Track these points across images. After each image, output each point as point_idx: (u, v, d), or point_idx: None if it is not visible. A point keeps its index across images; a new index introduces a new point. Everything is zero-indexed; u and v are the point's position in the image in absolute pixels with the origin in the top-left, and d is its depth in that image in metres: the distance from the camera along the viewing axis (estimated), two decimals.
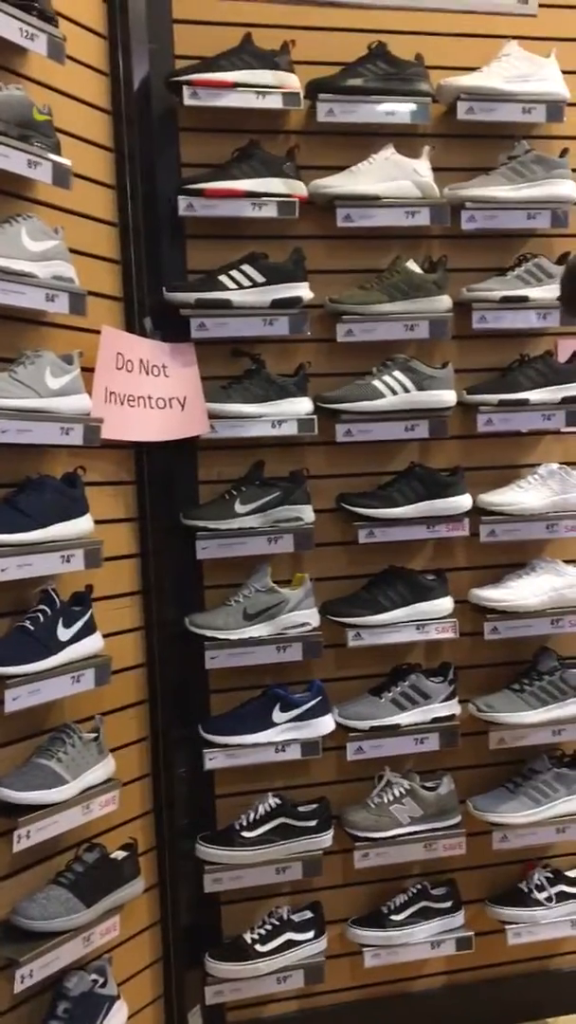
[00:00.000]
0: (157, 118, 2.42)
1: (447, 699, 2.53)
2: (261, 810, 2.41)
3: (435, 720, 2.51)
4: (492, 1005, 2.67)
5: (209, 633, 2.37)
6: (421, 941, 2.52)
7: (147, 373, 2.35)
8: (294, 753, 2.41)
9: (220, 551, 2.39)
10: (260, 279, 2.37)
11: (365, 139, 2.50)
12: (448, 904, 2.56)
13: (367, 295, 2.47)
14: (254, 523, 2.40)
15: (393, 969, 2.57)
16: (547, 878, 2.61)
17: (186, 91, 2.33)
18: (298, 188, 2.41)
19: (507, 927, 2.57)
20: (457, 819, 2.54)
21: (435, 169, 2.50)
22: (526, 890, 2.60)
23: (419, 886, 2.56)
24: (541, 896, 2.58)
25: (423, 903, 2.54)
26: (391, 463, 2.58)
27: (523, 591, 2.55)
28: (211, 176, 2.37)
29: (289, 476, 2.46)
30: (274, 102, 2.38)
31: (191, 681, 2.46)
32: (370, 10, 2.47)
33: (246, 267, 2.38)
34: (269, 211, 2.39)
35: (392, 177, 2.45)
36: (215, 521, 2.38)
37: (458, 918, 2.57)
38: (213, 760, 2.37)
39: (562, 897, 2.60)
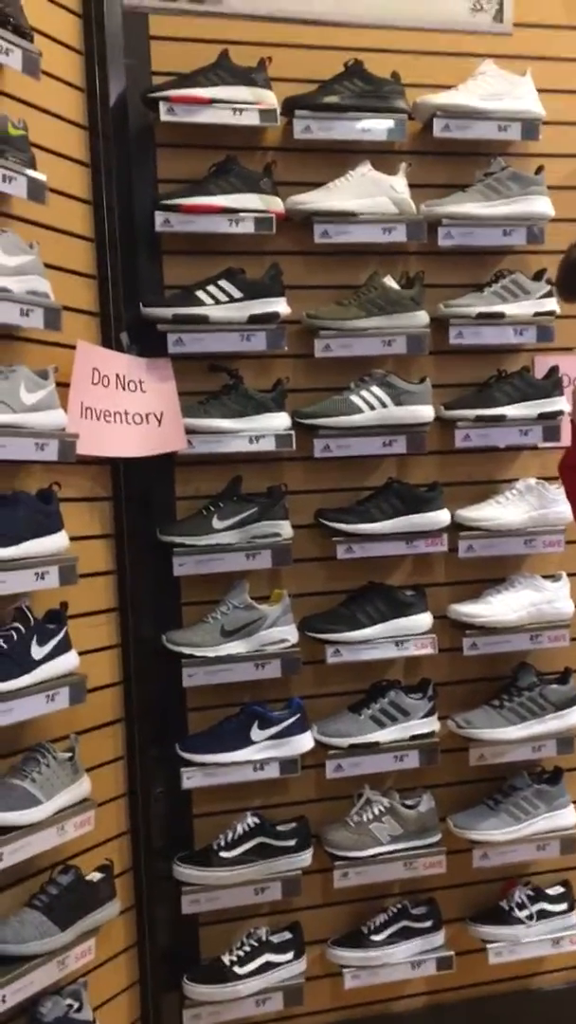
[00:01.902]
0: (134, 134, 2.41)
1: (426, 716, 2.51)
2: (239, 829, 2.38)
3: (415, 737, 2.50)
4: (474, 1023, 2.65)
5: (186, 650, 2.35)
6: (402, 961, 2.50)
7: (124, 388, 2.33)
8: (273, 771, 2.39)
9: (197, 567, 2.37)
10: (237, 294, 2.37)
11: (342, 156, 2.50)
12: (429, 923, 2.54)
13: (344, 311, 2.47)
14: (232, 539, 2.39)
15: (374, 990, 2.54)
16: (528, 896, 2.59)
17: (163, 107, 2.33)
18: (275, 204, 2.41)
19: (488, 946, 2.55)
20: (437, 837, 2.52)
21: (412, 186, 2.51)
22: (507, 908, 2.58)
23: (399, 905, 2.54)
24: (522, 914, 2.57)
25: (403, 922, 2.52)
26: (369, 478, 2.58)
27: (502, 606, 2.55)
28: (188, 192, 2.36)
29: (267, 492, 2.45)
30: (251, 118, 2.39)
31: (168, 699, 2.44)
32: (347, 28, 2.48)
33: (223, 282, 2.38)
34: (246, 227, 2.38)
35: (369, 193, 2.45)
36: (192, 537, 2.37)
37: (439, 937, 2.55)
38: (191, 779, 2.34)
39: (543, 915, 2.59)
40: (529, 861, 2.63)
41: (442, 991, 2.63)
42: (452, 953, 2.55)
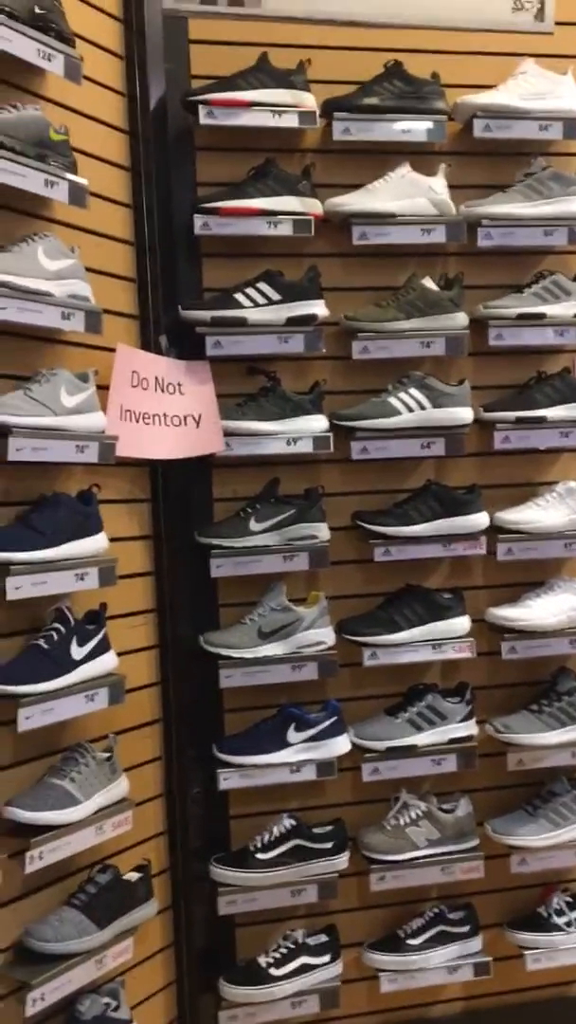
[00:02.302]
0: (173, 137, 2.43)
1: (464, 720, 2.50)
2: (276, 831, 2.38)
3: (452, 741, 2.48)
4: None
5: (224, 651, 2.36)
6: (438, 966, 2.49)
7: (162, 391, 2.35)
8: (309, 774, 2.38)
9: (235, 569, 2.38)
10: (276, 297, 2.37)
11: (381, 157, 2.50)
12: (466, 928, 2.53)
13: (383, 312, 2.46)
14: (269, 541, 2.39)
15: (410, 994, 2.53)
16: (567, 903, 2.56)
17: (202, 110, 2.34)
18: (314, 206, 2.41)
19: (526, 952, 2.53)
20: (475, 842, 2.51)
21: (451, 187, 2.49)
22: (545, 915, 2.55)
23: (436, 910, 2.53)
24: (561, 921, 2.54)
25: (440, 927, 2.50)
26: (407, 481, 2.56)
27: (541, 610, 2.53)
28: (227, 195, 2.37)
29: (304, 494, 2.45)
30: (290, 121, 2.39)
31: (205, 700, 2.45)
32: (386, 29, 2.47)
33: (262, 285, 2.38)
34: (285, 229, 2.39)
35: (408, 195, 2.44)
36: (230, 539, 2.37)
37: (476, 943, 2.53)
38: (227, 780, 2.35)
39: None
40: (568, 867, 2.60)
41: (479, 997, 2.61)
42: (490, 959, 2.53)
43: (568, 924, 2.54)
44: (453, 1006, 2.62)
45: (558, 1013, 2.66)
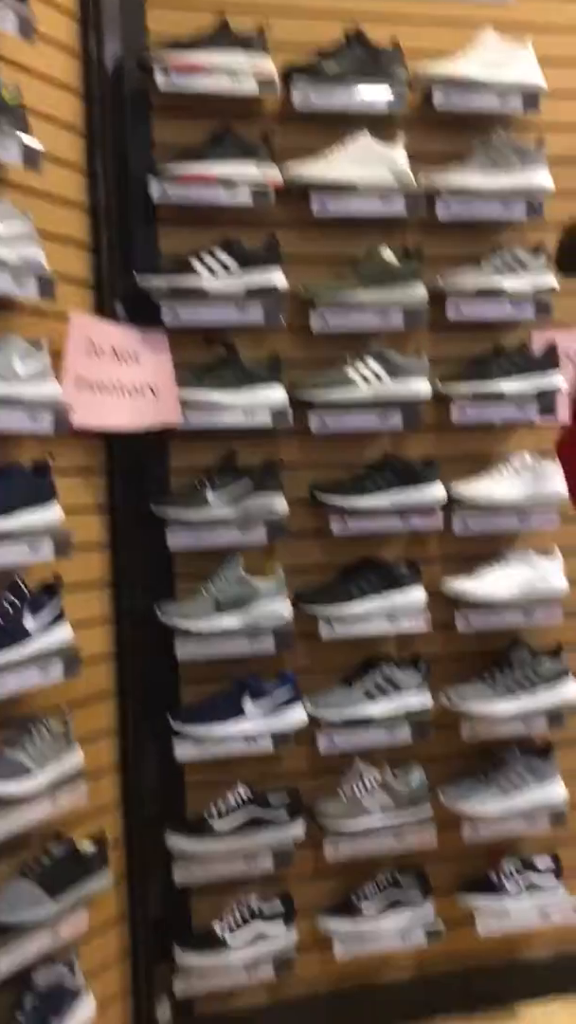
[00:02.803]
0: (129, 100, 2.38)
1: (419, 690, 2.52)
2: (232, 801, 2.39)
3: (407, 711, 2.50)
4: (462, 994, 2.67)
5: (179, 623, 2.35)
6: (391, 931, 2.52)
7: (118, 359, 2.32)
8: (265, 744, 2.40)
9: (192, 541, 2.37)
10: (234, 265, 2.35)
11: (340, 125, 2.47)
12: (419, 894, 2.57)
13: (342, 283, 2.45)
14: (226, 513, 2.38)
15: (363, 960, 2.57)
16: (516, 868, 2.62)
17: (158, 74, 2.29)
18: (273, 174, 2.38)
19: (477, 917, 2.58)
20: (428, 810, 2.54)
21: (410, 157, 2.48)
22: (496, 879, 2.60)
23: (390, 876, 2.56)
24: (511, 886, 2.59)
25: (393, 893, 2.54)
26: (365, 454, 2.57)
27: (496, 582, 2.55)
28: (184, 160, 2.33)
29: (262, 466, 2.44)
30: (249, 86, 2.35)
31: (161, 672, 2.44)
32: None
33: (219, 253, 2.36)
34: (243, 197, 2.36)
35: (367, 164, 2.43)
36: (186, 511, 2.36)
37: (428, 908, 2.57)
38: (183, 751, 2.35)
39: (532, 887, 2.61)
40: (519, 834, 2.65)
41: (431, 961, 2.66)
42: (441, 924, 2.57)
43: (518, 888, 2.59)
44: (406, 970, 2.66)
45: (508, 976, 2.72)
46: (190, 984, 2.40)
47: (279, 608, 2.42)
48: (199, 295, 2.33)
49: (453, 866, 2.65)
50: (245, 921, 2.41)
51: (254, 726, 2.37)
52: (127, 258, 2.36)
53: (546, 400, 2.57)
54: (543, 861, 2.66)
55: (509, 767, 2.58)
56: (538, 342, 2.64)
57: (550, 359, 2.58)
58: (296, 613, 2.44)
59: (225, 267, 2.35)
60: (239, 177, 2.34)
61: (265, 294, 2.37)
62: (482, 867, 2.65)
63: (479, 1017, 2.67)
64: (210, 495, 2.37)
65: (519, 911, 2.59)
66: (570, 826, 2.65)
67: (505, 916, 2.58)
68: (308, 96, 2.40)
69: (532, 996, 2.72)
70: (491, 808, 2.54)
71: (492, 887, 2.60)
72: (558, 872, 2.66)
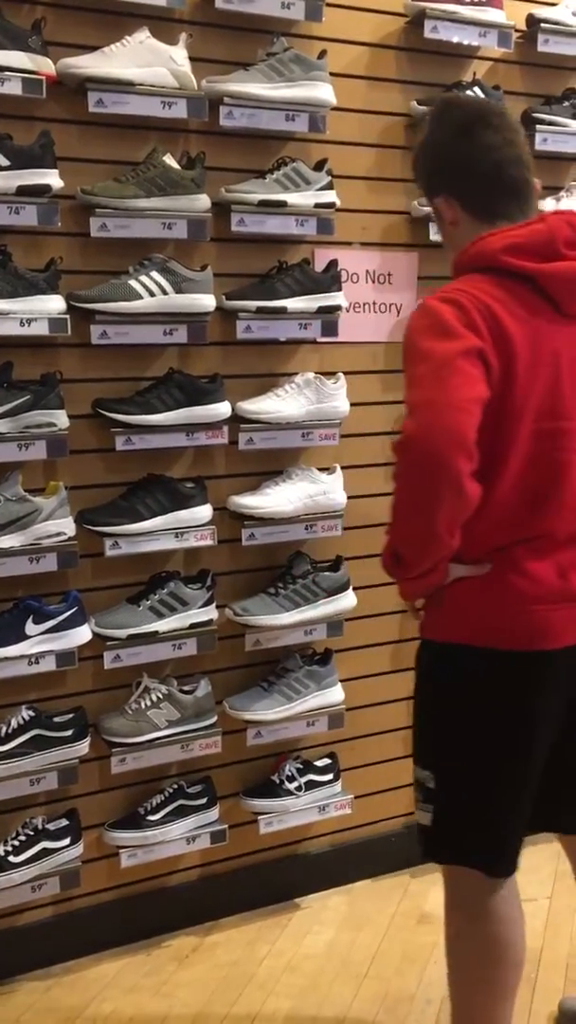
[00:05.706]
0: None
1: (205, 605, 2.56)
2: (14, 723, 2.35)
3: (193, 626, 2.53)
4: (246, 891, 2.81)
5: None
6: (177, 838, 2.59)
7: None
8: (49, 665, 2.36)
9: None
10: (4, 162, 2.19)
11: (119, 19, 2.34)
12: (204, 800, 2.64)
13: (122, 188, 2.35)
14: (3, 428, 2.27)
15: (150, 867, 2.63)
16: (297, 769, 2.75)
17: None
18: (45, 65, 2.23)
19: (259, 817, 2.70)
20: (213, 719, 2.60)
21: (192, 59, 2.39)
22: (277, 781, 2.72)
23: (175, 786, 2.62)
24: (292, 786, 2.72)
25: (179, 802, 2.60)
26: (149, 368, 2.52)
27: (279, 498, 2.61)
28: None
29: (40, 379, 2.34)
30: None
31: None
32: None
33: None
34: (13, 87, 2.19)
35: (147, 63, 2.32)
36: None
37: (213, 813, 2.66)
38: None
39: (311, 785, 2.76)
40: (299, 737, 2.77)
41: (216, 862, 2.77)
42: (225, 827, 2.67)
43: (298, 788, 2.73)
44: (191, 873, 2.75)
45: (286, 869, 2.87)
46: None
47: (62, 527, 2.35)
48: None
49: (238, 771, 2.75)
50: (29, 840, 2.40)
51: (37, 648, 2.32)
52: None
53: (328, 318, 2.61)
54: (321, 761, 2.81)
55: (291, 674, 2.68)
56: (320, 260, 2.66)
57: (331, 277, 2.62)
58: (80, 531, 2.39)
59: None
60: (8, 65, 2.17)
61: (39, 194, 2.24)
62: (266, 769, 2.76)
63: (262, 912, 2.81)
64: None
65: (299, 809, 2.73)
66: (347, 727, 2.81)
67: (285, 814, 2.71)
68: None
69: (311, 887, 2.90)
70: (273, 714, 2.64)
71: (273, 789, 2.72)
72: (335, 770, 2.82)
